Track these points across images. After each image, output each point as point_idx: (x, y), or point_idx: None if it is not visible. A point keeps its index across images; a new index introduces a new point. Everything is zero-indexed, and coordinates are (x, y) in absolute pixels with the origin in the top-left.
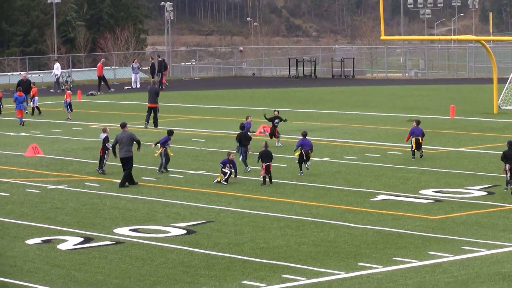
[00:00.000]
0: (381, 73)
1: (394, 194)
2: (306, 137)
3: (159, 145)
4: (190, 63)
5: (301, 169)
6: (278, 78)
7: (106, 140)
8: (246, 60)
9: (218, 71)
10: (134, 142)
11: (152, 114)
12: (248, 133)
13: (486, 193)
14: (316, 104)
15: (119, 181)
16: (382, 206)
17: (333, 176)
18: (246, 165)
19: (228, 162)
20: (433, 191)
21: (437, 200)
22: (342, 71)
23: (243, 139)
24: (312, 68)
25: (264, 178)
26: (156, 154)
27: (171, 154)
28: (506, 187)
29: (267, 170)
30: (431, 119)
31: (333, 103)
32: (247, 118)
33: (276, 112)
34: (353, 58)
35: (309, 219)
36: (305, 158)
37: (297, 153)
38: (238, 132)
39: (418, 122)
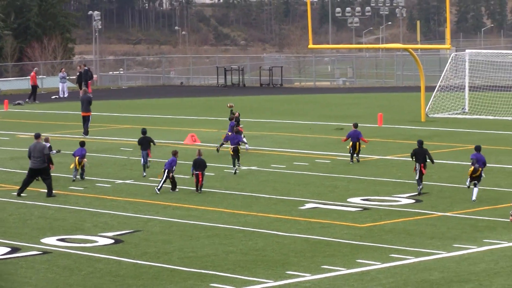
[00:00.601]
0: (309, 81)
1: (322, 202)
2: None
3: (79, 158)
4: (118, 72)
5: (234, 165)
6: (207, 87)
7: (49, 149)
8: (174, 69)
9: (146, 80)
10: None
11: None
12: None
13: (413, 201)
14: (244, 112)
15: (46, 191)
16: (310, 215)
17: (261, 184)
18: (144, 169)
19: (175, 160)
20: (361, 199)
21: (365, 208)
22: (270, 79)
23: (144, 143)
24: (240, 77)
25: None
26: (71, 166)
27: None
28: (419, 187)
29: (197, 179)
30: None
31: (261, 112)
32: (235, 113)
33: (237, 113)
34: (281, 67)
35: (237, 227)
36: (235, 153)
37: (228, 148)
38: (140, 137)
39: (356, 125)
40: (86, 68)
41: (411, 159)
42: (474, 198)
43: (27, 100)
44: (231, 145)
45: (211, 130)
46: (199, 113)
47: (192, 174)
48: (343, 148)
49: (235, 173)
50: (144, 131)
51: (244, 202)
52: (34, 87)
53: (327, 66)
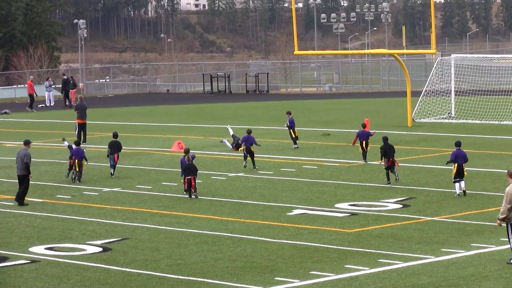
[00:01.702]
0: (295, 87)
1: (310, 208)
2: (251, 134)
3: (78, 160)
4: (104, 80)
5: (245, 162)
6: (193, 94)
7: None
8: (160, 77)
9: (132, 87)
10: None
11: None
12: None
13: (401, 205)
14: (230, 119)
15: (36, 199)
16: (298, 220)
17: (248, 191)
18: (114, 169)
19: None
20: (349, 205)
21: (352, 214)
22: (257, 86)
23: (114, 147)
24: (227, 84)
25: (189, 191)
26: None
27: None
28: (396, 177)
29: (189, 184)
30: (345, 133)
31: (248, 118)
32: (289, 114)
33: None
34: (267, 73)
35: (226, 234)
36: (248, 153)
37: (241, 149)
38: (111, 140)
39: (364, 125)
40: (65, 77)
41: (380, 155)
42: (463, 188)
43: (32, 109)
44: (245, 145)
45: (197, 137)
46: (186, 120)
47: (184, 180)
48: (330, 154)
49: (245, 167)
50: (115, 135)
51: (231, 208)
52: (31, 95)
53: (313, 72)
